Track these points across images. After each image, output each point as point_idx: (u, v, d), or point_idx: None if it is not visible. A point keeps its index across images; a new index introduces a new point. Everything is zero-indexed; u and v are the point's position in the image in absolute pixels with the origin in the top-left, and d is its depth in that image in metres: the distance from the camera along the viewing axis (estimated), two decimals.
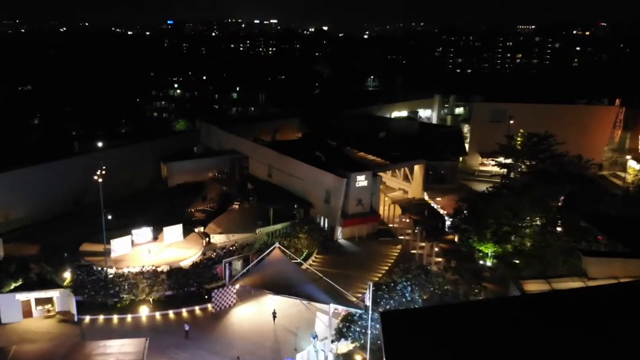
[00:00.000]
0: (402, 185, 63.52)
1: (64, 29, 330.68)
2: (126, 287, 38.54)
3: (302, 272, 39.66)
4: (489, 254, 43.66)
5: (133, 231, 46.54)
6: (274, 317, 37.60)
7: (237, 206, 55.03)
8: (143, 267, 41.52)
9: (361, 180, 50.60)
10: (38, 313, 38.41)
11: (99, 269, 40.25)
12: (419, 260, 45.19)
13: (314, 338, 34.27)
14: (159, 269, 41.32)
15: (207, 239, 48.80)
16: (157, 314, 38.65)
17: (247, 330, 36.99)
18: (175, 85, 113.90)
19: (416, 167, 60.83)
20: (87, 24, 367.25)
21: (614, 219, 39.74)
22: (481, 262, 43.75)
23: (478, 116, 76.08)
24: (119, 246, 45.01)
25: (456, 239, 47.55)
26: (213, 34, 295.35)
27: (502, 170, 62.96)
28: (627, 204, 46.35)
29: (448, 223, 51.29)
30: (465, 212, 47.59)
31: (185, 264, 43.37)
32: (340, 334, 32.73)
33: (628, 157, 68.11)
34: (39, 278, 40.05)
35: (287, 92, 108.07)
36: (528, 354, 19.41)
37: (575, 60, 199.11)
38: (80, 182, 52.20)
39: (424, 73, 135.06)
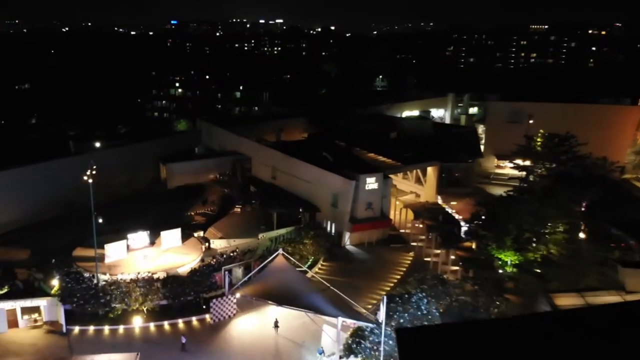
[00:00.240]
0: (414, 188, 61.76)
1: (66, 29, 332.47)
2: (118, 295, 36.71)
3: (308, 281, 38.08)
4: (509, 262, 41.56)
5: (129, 235, 45.13)
6: (276, 327, 35.98)
7: (238, 210, 53.85)
8: (138, 273, 40.07)
9: (371, 183, 49.03)
10: (24, 323, 36.87)
11: (89, 275, 38.45)
12: (434, 269, 43.26)
13: (320, 354, 32.55)
14: (155, 276, 39.80)
15: (207, 244, 47.47)
16: (152, 325, 37.03)
17: (248, 344, 35.35)
18: (177, 85, 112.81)
19: (429, 169, 59.09)
20: (89, 24, 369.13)
21: None
22: (500, 271, 41.56)
23: (494, 116, 74.16)
24: (113, 251, 43.59)
25: (474, 246, 45.37)
26: (217, 34, 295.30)
27: (521, 173, 60.64)
28: None
29: (464, 229, 49.23)
30: (482, 217, 45.49)
31: (183, 270, 41.91)
32: (349, 351, 30.68)
33: None
34: (26, 285, 38.30)
35: (293, 91, 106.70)
36: None
37: (591, 60, 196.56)
38: (74, 184, 50.93)
39: (435, 72, 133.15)
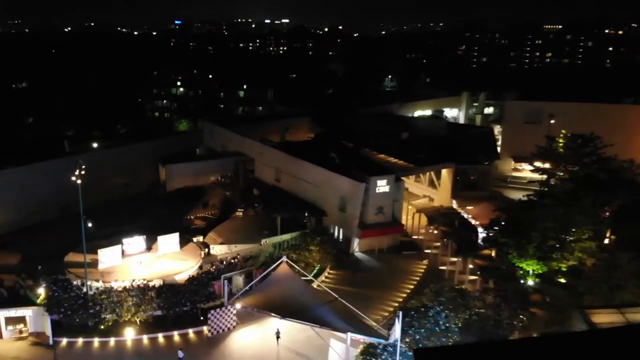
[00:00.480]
0: (428, 191, 59.71)
1: (68, 28, 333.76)
2: (108, 305, 34.94)
3: (313, 291, 36.15)
4: (531, 271, 39.33)
5: (124, 240, 43.64)
6: (277, 337, 34.15)
7: (240, 214, 52.49)
8: (133, 280, 38.46)
9: (382, 185, 47.07)
10: (8, 334, 35.21)
11: (78, 283, 36.70)
12: (450, 278, 41.09)
13: None
14: (151, 284, 38.13)
15: (207, 250, 45.94)
16: (145, 338, 35.19)
17: (249, 359, 33.36)
18: (178, 84, 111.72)
19: (444, 172, 57.08)
20: (92, 23, 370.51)
21: None
22: (522, 281, 39.33)
23: (511, 116, 72.07)
24: (107, 257, 42.10)
25: (493, 254, 43.14)
26: (222, 33, 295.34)
27: (542, 176, 58.29)
28: None
29: (482, 235, 47.04)
30: (502, 223, 43.30)
31: (181, 278, 40.22)
32: None
33: None
34: (11, 293, 36.59)
35: (298, 90, 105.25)
36: None
37: (608, 60, 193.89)
38: (70, 185, 49.88)
39: (447, 71, 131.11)
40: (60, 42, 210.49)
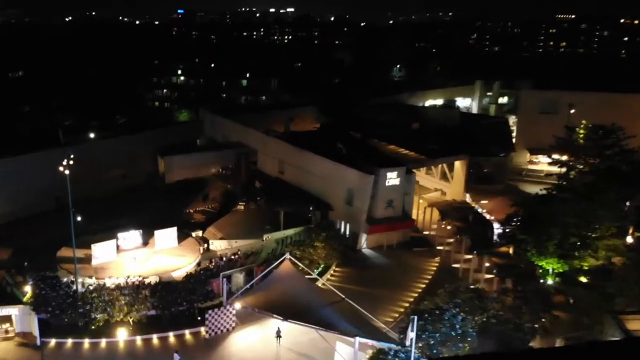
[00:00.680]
0: (440, 184, 58.07)
1: (69, 18, 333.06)
2: (99, 304, 33.50)
3: (318, 290, 34.82)
4: (551, 270, 37.37)
5: (119, 234, 42.35)
6: (278, 336, 32.71)
7: (242, 207, 51.31)
8: (128, 277, 37.05)
9: (392, 178, 45.46)
10: None
11: (68, 280, 35.23)
12: (464, 277, 39.35)
13: None
14: (146, 281, 36.74)
15: (206, 246, 44.79)
16: (138, 339, 33.82)
17: None
18: (179, 72, 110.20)
19: (457, 164, 55.41)
20: (93, 13, 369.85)
21: None
22: (541, 280, 37.41)
23: (527, 106, 69.99)
24: (101, 252, 40.75)
25: (510, 252, 41.24)
26: (225, 22, 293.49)
27: (561, 169, 56.18)
28: None
29: (497, 231, 45.18)
30: (519, 218, 41.39)
31: (178, 275, 38.88)
32: None
33: None
34: None
35: (304, 79, 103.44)
36: None
37: (623, 51, 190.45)
38: (63, 177, 48.87)
39: (457, 60, 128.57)
40: (60, 33, 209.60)
